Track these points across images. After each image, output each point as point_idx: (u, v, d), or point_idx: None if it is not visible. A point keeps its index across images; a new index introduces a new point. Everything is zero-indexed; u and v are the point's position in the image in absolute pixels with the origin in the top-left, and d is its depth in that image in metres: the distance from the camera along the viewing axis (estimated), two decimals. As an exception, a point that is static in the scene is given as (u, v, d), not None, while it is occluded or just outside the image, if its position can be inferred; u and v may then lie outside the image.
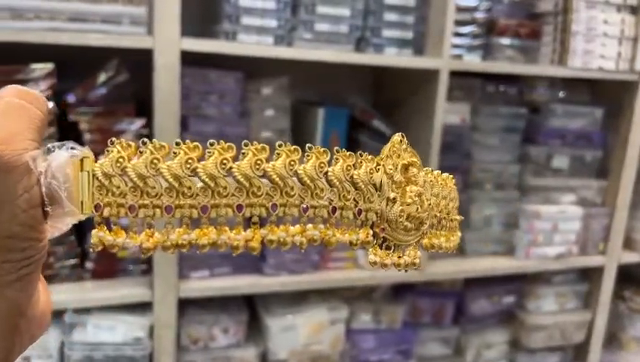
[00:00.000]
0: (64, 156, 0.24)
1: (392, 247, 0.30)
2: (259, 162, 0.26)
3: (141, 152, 0.25)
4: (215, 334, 1.20)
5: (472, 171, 1.37)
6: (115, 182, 0.24)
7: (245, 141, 0.26)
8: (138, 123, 1.05)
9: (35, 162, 0.23)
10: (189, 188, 0.25)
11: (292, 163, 0.26)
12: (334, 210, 0.28)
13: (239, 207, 0.26)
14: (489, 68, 1.28)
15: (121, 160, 0.24)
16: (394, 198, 0.29)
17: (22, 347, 0.27)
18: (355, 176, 0.28)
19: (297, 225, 0.27)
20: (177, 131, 1.02)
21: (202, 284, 1.13)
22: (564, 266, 1.46)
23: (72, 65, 1.01)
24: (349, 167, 0.28)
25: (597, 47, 1.33)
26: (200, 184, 0.25)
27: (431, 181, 0.32)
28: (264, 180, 0.26)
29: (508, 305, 1.52)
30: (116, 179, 0.24)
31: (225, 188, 0.25)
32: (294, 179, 0.27)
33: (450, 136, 1.30)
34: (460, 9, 1.23)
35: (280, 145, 0.27)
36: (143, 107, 1.07)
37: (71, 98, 1.05)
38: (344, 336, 1.31)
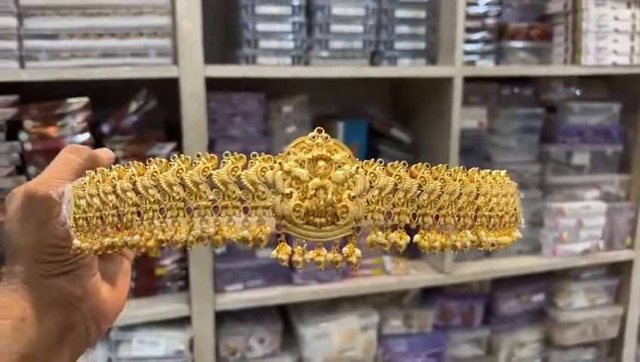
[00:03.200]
0: (69, 187, 0.33)
1: (305, 244, 0.29)
2: (155, 174, 0.30)
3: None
4: (252, 344, 1.25)
5: (492, 173, 1.40)
6: (81, 202, 0.32)
7: (150, 158, 0.31)
8: (169, 147, 1.11)
9: (60, 195, 0.33)
10: (112, 201, 0.31)
11: (180, 171, 0.30)
12: (216, 209, 0.29)
13: (138, 213, 0.31)
14: (502, 72, 1.31)
15: (84, 185, 0.32)
16: (289, 194, 0.28)
17: (88, 329, 0.39)
18: (242, 176, 0.29)
19: (186, 226, 0.30)
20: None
21: (237, 297, 1.18)
22: (592, 262, 1.47)
23: (105, 97, 1.08)
24: (235, 169, 0.29)
25: (609, 43, 1.35)
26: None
27: (372, 174, 0.30)
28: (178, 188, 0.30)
29: (538, 304, 1.54)
30: (82, 200, 0.32)
31: (131, 198, 0.31)
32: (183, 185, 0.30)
33: (468, 140, 1.33)
34: (470, 16, 1.27)
35: (174, 157, 0.30)
36: (173, 131, 1.13)
37: (105, 128, 1.12)
38: (376, 342, 1.35)
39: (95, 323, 0.39)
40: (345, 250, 0.30)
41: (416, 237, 0.31)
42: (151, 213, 0.30)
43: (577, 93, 1.50)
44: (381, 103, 1.50)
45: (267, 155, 0.29)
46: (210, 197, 0.29)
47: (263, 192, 0.29)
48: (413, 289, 1.41)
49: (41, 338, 0.36)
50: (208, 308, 1.14)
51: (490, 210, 0.33)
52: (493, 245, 0.33)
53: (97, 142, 1.09)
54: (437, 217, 0.31)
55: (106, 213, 0.31)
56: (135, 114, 1.13)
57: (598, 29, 1.34)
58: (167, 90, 1.09)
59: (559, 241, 1.42)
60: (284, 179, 0.29)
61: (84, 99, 1.06)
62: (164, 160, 0.31)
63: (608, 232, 1.48)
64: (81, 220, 0.32)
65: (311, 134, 0.30)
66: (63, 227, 0.33)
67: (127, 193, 0.31)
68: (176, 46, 1.04)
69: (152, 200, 0.30)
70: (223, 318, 1.22)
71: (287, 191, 0.28)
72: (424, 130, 1.36)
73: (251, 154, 0.30)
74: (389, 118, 1.45)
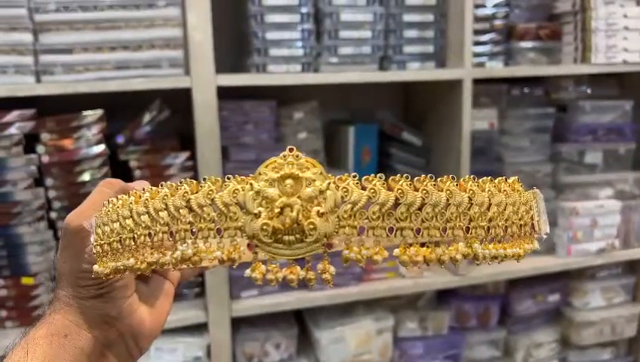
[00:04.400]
0: (94, 217, 0.36)
1: (276, 262, 0.30)
2: (146, 201, 0.32)
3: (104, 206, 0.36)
4: (268, 350, 1.26)
5: (504, 174, 1.39)
6: (99, 230, 0.35)
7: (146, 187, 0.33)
8: (183, 156, 1.13)
9: (91, 225, 0.36)
10: (116, 228, 0.34)
11: (165, 197, 0.31)
12: (193, 232, 0.30)
13: (134, 239, 0.33)
14: (512, 73, 1.31)
15: (101, 213, 0.35)
16: (258, 213, 0.29)
17: (128, 346, 0.42)
18: (216, 198, 0.30)
19: (171, 248, 0.31)
20: (219, 161, 1.09)
21: (252, 303, 1.19)
22: (608, 261, 1.46)
23: (119, 108, 1.10)
24: (210, 192, 0.30)
25: (619, 41, 1.34)
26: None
27: (344, 189, 0.29)
28: (162, 213, 0.32)
29: (554, 304, 1.53)
30: (99, 228, 0.35)
31: (129, 225, 0.33)
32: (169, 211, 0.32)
33: (480, 141, 1.33)
34: (478, 18, 1.27)
35: (162, 185, 0.32)
36: (186, 140, 1.15)
37: (120, 139, 1.14)
38: (392, 345, 1.35)
39: (134, 341, 0.42)
40: (319, 266, 0.30)
41: (396, 252, 0.30)
42: (142, 238, 0.32)
43: (588, 91, 1.50)
44: (392, 107, 1.51)
45: (241, 177, 0.30)
46: (188, 220, 0.30)
47: (235, 213, 0.29)
48: (428, 291, 1.41)
49: (83, 354, 0.40)
50: (224, 314, 1.15)
51: (489, 221, 0.31)
52: (495, 258, 0.31)
53: (112, 153, 1.11)
54: (418, 231, 0.30)
55: (111, 240, 0.34)
56: (149, 124, 1.15)
57: (607, 27, 1.34)
58: (179, 100, 1.11)
59: (573, 241, 1.41)
60: (255, 199, 0.29)
61: (99, 112, 1.08)
62: (154, 188, 0.33)
63: (624, 230, 1.47)
64: (98, 247, 0.35)
65: (283, 153, 0.30)
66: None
67: (127, 220, 0.33)
68: (188, 56, 1.05)
69: (144, 226, 0.32)
70: (239, 324, 1.23)
71: (256, 211, 0.29)
72: (435, 133, 1.36)
73: (225, 176, 0.30)
74: (399, 121, 1.45)
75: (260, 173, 0.30)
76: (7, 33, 1.00)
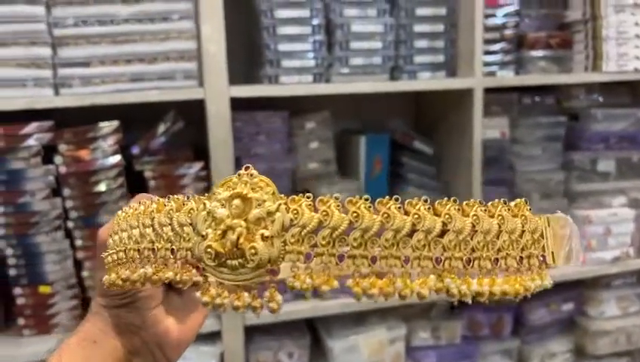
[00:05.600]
0: None
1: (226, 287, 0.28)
2: (127, 218, 0.34)
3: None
4: (281, 358, 1.26)
5: (516, 183, 1.40)
6: (110, 240, 0.36)
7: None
8: (197, 166, 1.14)
9: None
10: (111, 243, 0.36)
11: (138, 215, 0.33)
12: (153, 251, 0.30)
13: (121, 251, 0.34)
14: (523, 81, 1.31)
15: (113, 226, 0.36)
16: (205, 235, 0.27)
17: (154, 354, 0.43)
18: (173, 218, 0.29)
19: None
20: (232, 172, 1.10)
21: (265, 311, 1.19)
22: (622, 269, 1.45)
23: (134, 120, 1.12)
24: (170, 211, 0.30)
25: (630, 49, 1.35)
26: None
27: (294, 211, 0.26)
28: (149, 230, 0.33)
29: (568, 313, 1.52)
30: (110, 239, 0.36)
31: (116, 240, 0.35)
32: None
33: (491, 150, 1.33)
34: (488, 28, 1.28)
35: (144, 202, 0.34)
36: (200, 151, 1.16)
37: (135, 150, 1.16)
38: (404, 354, 1.35)
39: (160, 350, 0.43)
40: (265, 294, 0.28)
41: (349, 283, 0.27)
42: (122, 254, 0.33)
43: (600, 99, 1.50)
44: (403, 116, 1.52)
45: (200, 196, 0.29)
46: (150, 239, 0.31)
47: (188, 234, 0.29)
48: (440, 300, 1.41)
49: (111, 359, 0.42)
50: (238, 322, 1.16)
51: (471, 251, 0.26)
52: (480, 295, 0.26)
53: (128, 163, 1.13)
54: (374, 259, 0.26)
55: (111, 252, 0.35)
56: (163, 135, 1.17)
57: (618, 35, 1.34)
58: (193, 112, 1.13)
59: (587, 249, 1.41)
60: (205, 220, 0.28)
61: (115, 123, 1.10)
62: (135, 205, 0.34)
63: (638, 239, 1.46)
64: (109, 257, 0.36)
65: (239, 171, 0.28)
66: None
67: (118, 235, 0.34)
68: (202, 68, 1.07)
69: (124, 243, 0.34)
70: (252, 333, 1.24)
71: (204, 232, 0.28)
72: (446, 142, 1.37)
73: (186, 196, 0.30)
74: (411, 130, 1.46)
75: (214, 193, 0.28)
76: (27, 47, 1.03)
